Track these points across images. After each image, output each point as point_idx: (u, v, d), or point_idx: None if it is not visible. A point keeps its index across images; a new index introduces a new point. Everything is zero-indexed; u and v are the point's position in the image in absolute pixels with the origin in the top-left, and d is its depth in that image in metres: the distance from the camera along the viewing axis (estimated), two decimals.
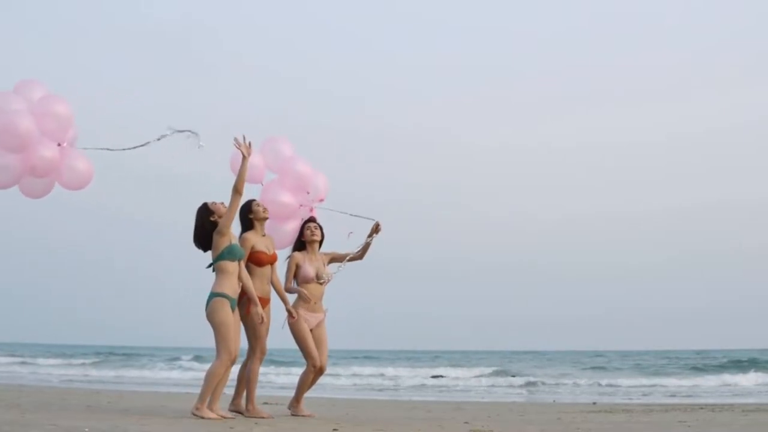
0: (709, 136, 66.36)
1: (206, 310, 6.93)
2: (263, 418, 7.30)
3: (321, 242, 7.86)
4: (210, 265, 7.04)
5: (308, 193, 7.90)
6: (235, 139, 7.15)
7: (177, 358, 35.69)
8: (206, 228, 7.03)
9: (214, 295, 6.93)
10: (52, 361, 34.82)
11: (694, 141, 65.05)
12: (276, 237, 7.73)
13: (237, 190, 6.99)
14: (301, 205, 7.89)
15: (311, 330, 7.69)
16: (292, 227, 7.86)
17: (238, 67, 72.77)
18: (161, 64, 71.61)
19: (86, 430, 5.77)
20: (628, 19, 72.91)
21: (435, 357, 45.83)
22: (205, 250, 7.09)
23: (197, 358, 34.80)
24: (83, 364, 33.06)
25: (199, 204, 7.13)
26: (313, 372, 7.67)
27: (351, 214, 7.89)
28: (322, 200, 7.94)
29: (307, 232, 7.78)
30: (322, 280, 7.65)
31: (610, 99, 69.22)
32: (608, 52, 72.18)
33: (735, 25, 70.70)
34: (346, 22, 78.55)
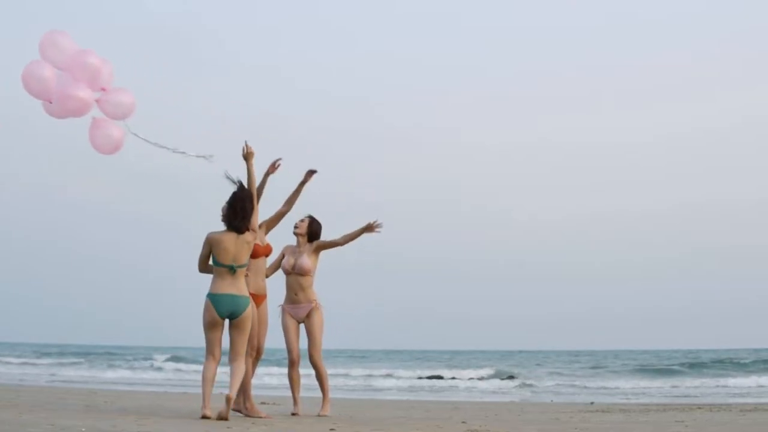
0: (708, 136, 66.43)
1: (248, 308, 6.91)
2: (261, 417, 7.31)
3: (315, 235, 7.82)
4: (243, 265, 6.96)
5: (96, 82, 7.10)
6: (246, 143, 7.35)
7: (150, 358, 35.61)
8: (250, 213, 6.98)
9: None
10: (15, 360, 34.85)
11: (693, 141, 65.11)
12: (101, 142, 7.11)
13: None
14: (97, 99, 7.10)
15: (302, 322, 7.76)
16: (118, 134, 7.12)
17: (238, 67, 72.75)
18: (161, 64, 71.57)
19: (83, 429, 5.77)
20: (628, 19, 72.96)
21: (433, 357, 45.85)
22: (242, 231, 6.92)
23: (175, 359, 34.80)
24: (67, 364, 32.99)
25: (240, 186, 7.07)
26: (291, 366, 7.72)
27: (173, 150, 7.25)
28: (104, 89, 7.07)
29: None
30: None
31: (609, 99, 69.21)
32: (608, 52, 72.18)
33: (735, 25, 70.78)
34: (346, 21, 78.50)
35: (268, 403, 9.40)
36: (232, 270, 6.86)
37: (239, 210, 6.89)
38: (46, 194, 64.76)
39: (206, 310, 6.88)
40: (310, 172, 7.83)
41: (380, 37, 78.78)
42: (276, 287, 7.90)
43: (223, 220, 6.98)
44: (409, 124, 70.93)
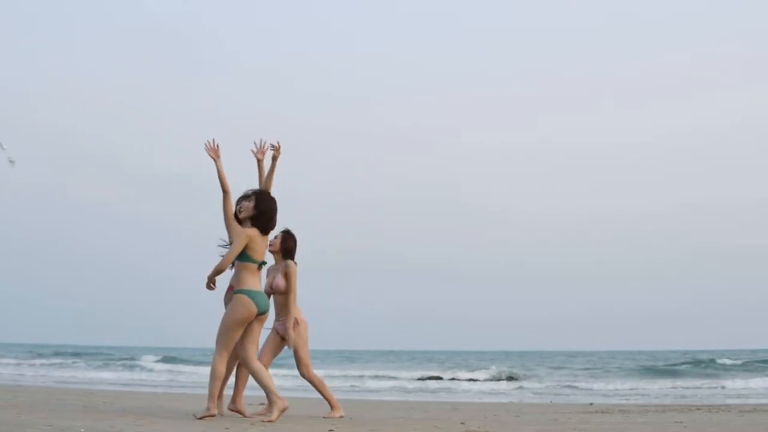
0: (708, 136, 66.54)
1: None
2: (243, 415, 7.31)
3: (290, 252, 7.47)
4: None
5: None
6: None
7: (139, 358, 35.59)
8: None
9: None
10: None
11: (693, 141, 65.22)
12: None
13: (223, 191, 7.17)
14: None
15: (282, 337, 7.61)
16: None
17: (238, 67, 72.77)
18: (161, 64, 71.62)
19: (82, 430, 5.77)
20: (628, 19, 73.01)
21: (432, 357, 45.86)
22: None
23: (174, 360, 34.71)
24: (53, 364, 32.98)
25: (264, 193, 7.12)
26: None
27: None
28: None
29: None
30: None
31: (609, 99, 69.27)
32: (608, 52, 72.28)
33: (735, 25, 70.80)
34: (346, 21, 78.58)
35: (266, 404, 9.38)
36: (260, 267, 6.90)
37: (271, 213, 6.95)
38: (46, 194, 64.86)
39: (244, 306, 6.77)
40: (275, 147, 7.65)
41: (380, 37, 78.92)
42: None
43: (248, 218, 6.93)
44: (409, 124, 71.11)
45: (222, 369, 6.84)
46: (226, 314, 6.86)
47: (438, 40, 77.46)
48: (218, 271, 6.87)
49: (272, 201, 7.05)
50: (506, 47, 75.80)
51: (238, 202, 7.27)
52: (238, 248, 6.82)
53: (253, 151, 7.59)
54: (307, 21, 77.04)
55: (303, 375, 7.68)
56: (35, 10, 71.75)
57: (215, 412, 6.83)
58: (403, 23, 79.51)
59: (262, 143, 7.61)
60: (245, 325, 6.85)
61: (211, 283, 6.92)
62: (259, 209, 6.92)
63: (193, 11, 76.76)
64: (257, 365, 6.90)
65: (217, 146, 7.32)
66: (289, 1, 79.80)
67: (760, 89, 65.99)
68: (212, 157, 7.28)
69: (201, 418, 6.84)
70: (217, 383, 6.84)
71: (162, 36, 76.74)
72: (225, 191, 7.15)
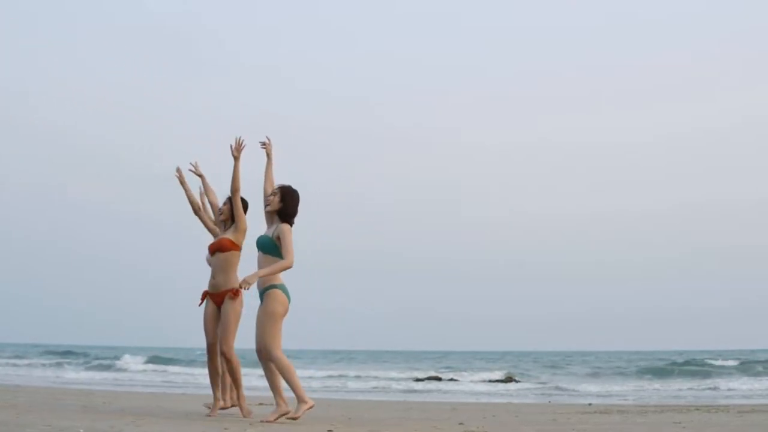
0: (708, 136, 66.57)
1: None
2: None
3: (281, 212, 6.88)
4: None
5: None
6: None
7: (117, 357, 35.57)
8: None
9: None
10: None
11: (693, 141, 65.24)
12: None
13: (235, 190, 7.22)
14: None
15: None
16: None
17: (238, 67, 72.77)
18: (161, 64, 71.60)
19: (81, 430, 5.78)
20: (628, 19, 73.00)
21: (431, 357, 45.89)
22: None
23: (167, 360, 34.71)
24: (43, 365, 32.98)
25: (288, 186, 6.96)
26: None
27: None
28: None
29: None
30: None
31: (609, 99, 69.27)
32: (608, 52, 72.28)
33: (735, 25, 70.81)
34: (346, 21, 78.57)
35: (266, 404, 9.41)
36: None
37: (298, 206, 6.90)
38: (46, 194, 64.83)
39: (282, 303, 6.68)
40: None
41: (380, 37, 78.91)
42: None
43: (276, 212, 6.83)
44: (409, 124, 71.11)
45: (288, 361, 6.65)
46: (266, 313, 6.65)
47: (438, 40, 77.50)
48: (286, 267, 6.65)
49: (297, 194, 6.91)
50: (506, 47, 75.84)
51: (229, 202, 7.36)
52: (291, 242, 6.71)
53: (231, 146, 7.31)
54: (307, 21, 77.03)
55: (223, 353, 7.27)
56: (35, 10, 71.70)
57: (312, 402, 6.65)
58: (403, 23, 79.53)
59: (240, 141, 7.35)
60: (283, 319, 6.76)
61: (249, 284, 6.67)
62: (290, 203, 6.83)
63: (193, 11, 76.75)
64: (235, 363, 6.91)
65: (242, 143, 7.25)
66: (289, 1, 79.81)
67: (760, 89, 66.06)
68: (234, 155, 7.22)
69: (298, 416, 6.61)
70: (294, 377, 6.61)
71: (162, 36, 76.73)
72: (238, 190, 7.24)
